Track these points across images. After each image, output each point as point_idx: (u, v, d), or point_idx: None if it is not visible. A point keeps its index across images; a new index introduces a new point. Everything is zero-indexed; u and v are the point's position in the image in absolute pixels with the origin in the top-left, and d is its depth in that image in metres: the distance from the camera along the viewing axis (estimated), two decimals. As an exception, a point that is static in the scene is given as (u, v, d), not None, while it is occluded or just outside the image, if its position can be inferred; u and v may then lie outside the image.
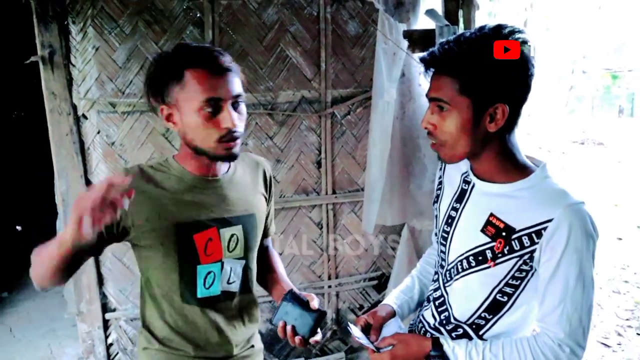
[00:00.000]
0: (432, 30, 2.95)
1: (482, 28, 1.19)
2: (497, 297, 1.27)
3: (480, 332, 1.33)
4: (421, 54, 1.28)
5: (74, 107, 2.85)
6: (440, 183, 1.51)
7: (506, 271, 1.23)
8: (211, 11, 2.96)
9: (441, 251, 1.43)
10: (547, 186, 1.21)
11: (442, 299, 1.42)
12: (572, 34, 21.34)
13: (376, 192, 3.08)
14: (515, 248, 1.20)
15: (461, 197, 1.37)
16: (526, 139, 15.54)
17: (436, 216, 1.51)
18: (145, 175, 1.36)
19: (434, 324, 1.43)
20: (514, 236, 1.20)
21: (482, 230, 1.26)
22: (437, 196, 1.51)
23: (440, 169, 1.52)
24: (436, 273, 1.50)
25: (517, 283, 1.24)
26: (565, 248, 1.13)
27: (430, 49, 1.23)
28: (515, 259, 1.21)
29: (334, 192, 3.38)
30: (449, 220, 1.39)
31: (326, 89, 3.23)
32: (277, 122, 3.19)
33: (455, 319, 1.36)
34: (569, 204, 1.15)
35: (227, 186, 1.46)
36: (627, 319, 4.19)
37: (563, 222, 1.13)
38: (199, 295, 1.42)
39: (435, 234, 1.53)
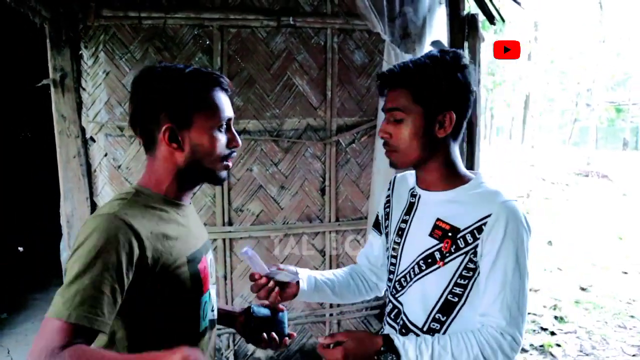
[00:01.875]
0: (438, 62, 2.98)
1: (430, 53, 1.37)
2: (449, 297, 1.33)
3: None
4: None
5: (83, 130, 2.88)
6: (388, 202, 1.60)
7: (454, 269, 1.31)
8: (220, 39, 3.02)
9: (391, 264, 1.50)
10: (484, 189, 1.35)
11: (397, 310, 1.47)
12: (576, 67, 21.56)
13: (380, 221, 3.07)
14: (461, 246, 1.30)
15: (410, 209, 1.47)
16: (530, 171, 15.55)
17: (387, 234, 1.57)
18: (140, 214, 1.18)
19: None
20: (459, 235, 1.31)
21: (431, 235, 1.36)
22: (387, 214, 1.58)
23: (389, 189, 1.62)
24: (387, 291, 1.55)
25: (465, 282, 1.31)
26: (503, 239, 1.25)
27: (389, 68, 1.39)
28: (462, 256, 1.30)
29: (337, 220, 3.38)
30: (400, 232, 1.47)
31: (331, 117, 3.27)
32: (282, 148, 3.22)
33: (412, 324, 1.40)
34: (504, 200, 1.29)
35: (194, 211, 1.45)
36: (633, 355, 4.11)
37: (501, 215, 1.26)
38: (201, 329, 1.32)
39: (387, 248, 1.57)
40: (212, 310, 1.40)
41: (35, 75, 2.97)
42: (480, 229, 1.27)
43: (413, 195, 1.47)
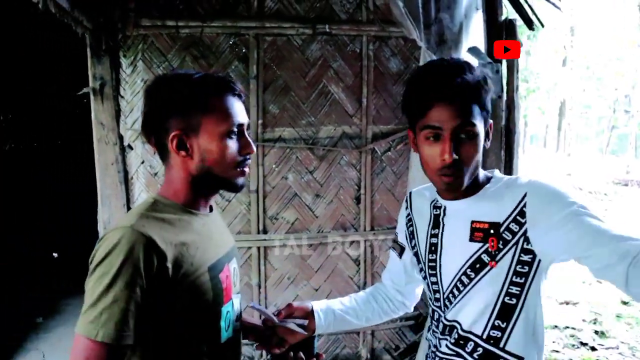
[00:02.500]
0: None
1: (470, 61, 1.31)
2: (506, 300, 1.26)
3: (500, 345, 1.27)
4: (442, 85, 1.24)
5: (121, 138, 2.93)
6: (410, 220, 1.52)
7: (507, 267, 1.23)
8: (256, 47, 3.03)
9: (432, 283, 1.40)
10: (506, 180, 1.31)
11: (449, 327, 1.36)
12: (613, 72, 21.01)
13: (416, 230, 3.02)
14: (508, 238, 1.23)
15: (436, 223, 1.39)
16: (566, 180, 15.18)
17: (416, 252, 1.47)
18: (158, 225, 1.16)
19: (452, 351, 1.36)
20: (502, 228, 1.24)
21: (471, 240, 1.28)
22: (411, 232, 1.50)
23: (406, 207, 1.54)
24: (433, 312, 1.45)
25: (522, 281, 1.23)
26: (560, 207, 1.14)
27: (452, 80, 1.21)
28: (513, 249, 1.22)
29: (372, 229, 3.34)
30: (432, 248, 1.39)
31: (367, 124, 3.24)
32: (318, 156, 3.20)
33: (471, 333, 1.31)
34: (529, 178, 1.26)
35: (218, 218, 1.43)
36: (680, 373, 3.96)
37: (537, 190, 1.20)
38: (222, 340, 1.28)
39: (421, 268, 1.46)
40: (237, 320, 1.37)
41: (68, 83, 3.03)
42: (522, 213, 1.20)
43: (436, 208, 1.40)
